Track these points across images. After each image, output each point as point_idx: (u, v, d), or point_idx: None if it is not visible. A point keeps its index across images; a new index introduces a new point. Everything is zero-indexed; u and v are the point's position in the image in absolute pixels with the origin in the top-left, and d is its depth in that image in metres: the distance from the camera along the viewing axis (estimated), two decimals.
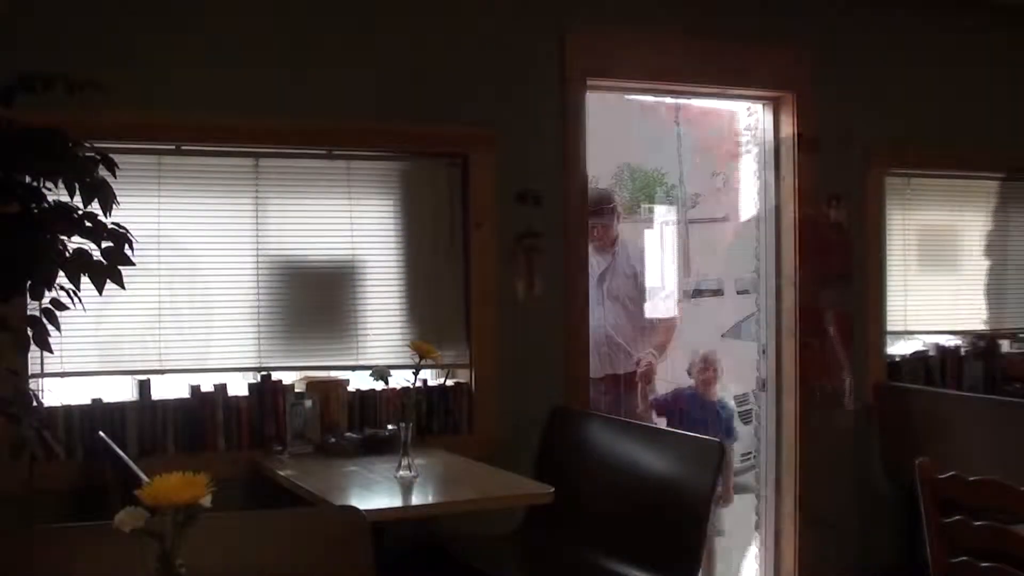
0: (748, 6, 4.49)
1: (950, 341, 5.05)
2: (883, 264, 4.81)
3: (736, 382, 5.57)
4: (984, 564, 2.43)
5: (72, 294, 2.10)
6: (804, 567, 4.59)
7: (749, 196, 4.89)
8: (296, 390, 3.82)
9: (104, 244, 2.09)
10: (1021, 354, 5.19)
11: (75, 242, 2.08)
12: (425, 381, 3.97)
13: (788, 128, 4.62)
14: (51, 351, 2.18)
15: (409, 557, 3.49)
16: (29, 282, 2.03)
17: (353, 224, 3.95)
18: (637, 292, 5.07)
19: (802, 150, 4.57)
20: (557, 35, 4.14)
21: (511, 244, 4.08)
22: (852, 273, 4.68)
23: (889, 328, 4.85)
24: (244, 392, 3.76)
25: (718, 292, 6.90)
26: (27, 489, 3.20)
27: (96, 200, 2.06)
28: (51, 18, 3.45)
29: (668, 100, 5.44)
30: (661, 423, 4.96)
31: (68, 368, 3.52)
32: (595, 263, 4.88)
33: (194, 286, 3.74)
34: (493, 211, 4.05)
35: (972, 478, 2.50)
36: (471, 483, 3.48)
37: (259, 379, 3.78)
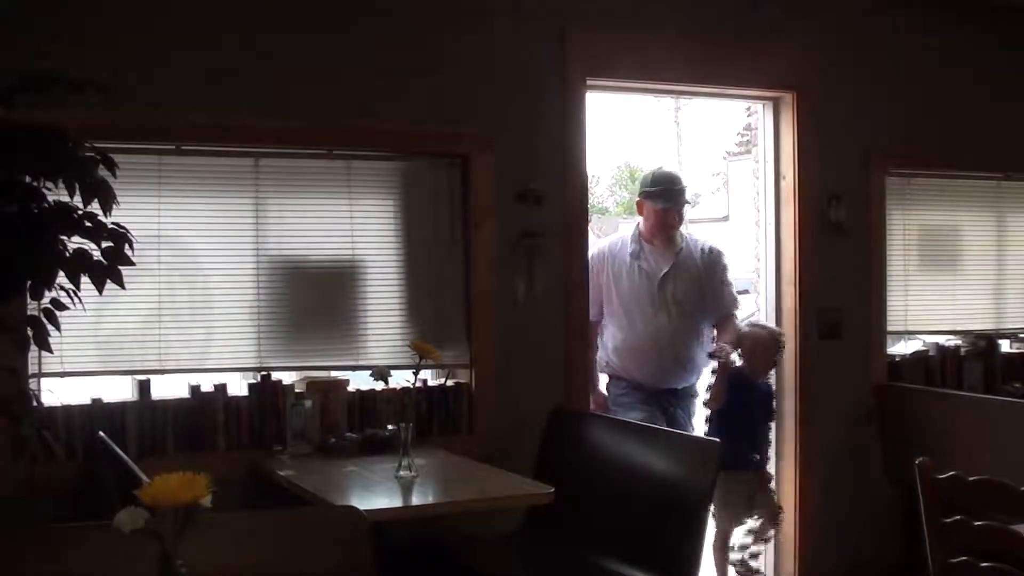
0: (748, 6, 4.49)
1: (950, 341, 5.05)
2: (883, 264, 4.81)
3: None
4: (984, 564, 2.43)
5: (72, 294, 2.10)
6: (804, 567, 4.59)
7: (749, 196, 4.89)
8: (296, 390, 3.82)
9: (104, 244, 2.10)
10: (1021, 354, 5.19)
11: (75, 242, 2.09)
12: (425, 381, 3.96)
13: (788, 128, 4.62)
14: (51, 351, 2.19)
15: (409, 557, 3.49)
16: (29, 282, 2.03)
17: (353, 224, 3.95)
18: (702, 295, 4.44)
19: None
20: (557, 35, 4.14)
21: (511, 244, 4.08)
22: None
23: (889, 328, 4.85)
24: (244, 392, 3.76)
25: None
26: (27, 489, 3.20)
27: (96, 200, 2.07)
28: (51, 18, 3.45)
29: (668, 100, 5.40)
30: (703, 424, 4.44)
31: (68, 368, 3.52)
32: (652, 261, 4.43)
33: (194, 286, 3.74)
34: (493, 211, 4.05)
35: (972, 478, 2.50)
36: (471, 483, 3.48)
37: (259, 379, 3.78)
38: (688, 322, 4.42)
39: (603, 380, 4.56)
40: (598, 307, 4.45)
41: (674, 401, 4.44)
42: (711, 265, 4.50)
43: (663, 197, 4.40)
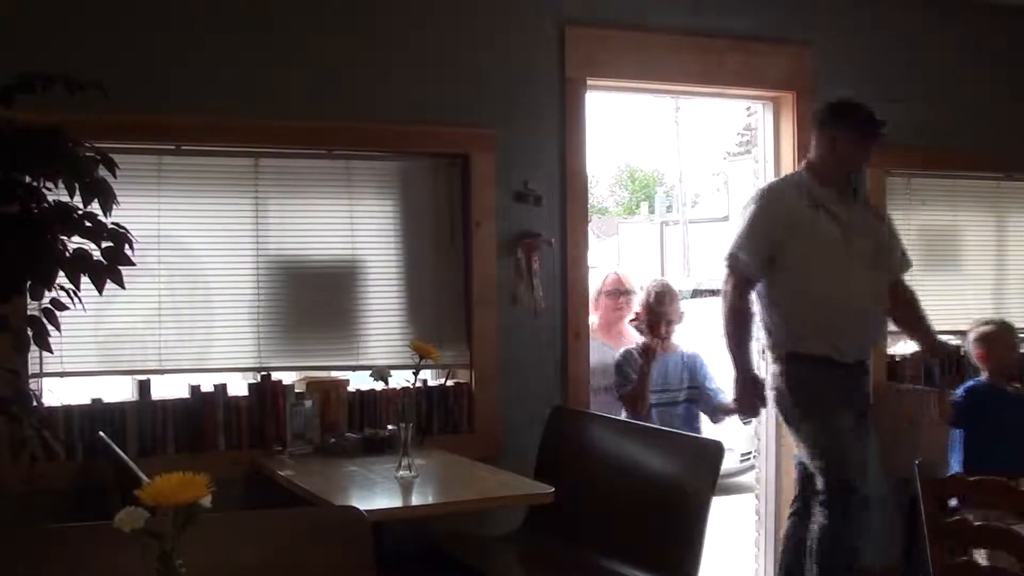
0: (748, 6, 4.49)
1: (950, 341, 5.05)
2: None
3: None
4: (984, 564, 2.43)
5: (72, 294, 2.09)
6: None
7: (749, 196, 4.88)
8: (296, 390, 3.82)
9: (104, 244, 2.09)
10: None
11: (75, 242, 2.08)
12: (425, 381, 3.97)
13: (788, 128, 4.62)
14: (51, 351, 2.18)
15: (409, 557, 3.49)
16: (29, 282, 2.03)
17: (353, 224, 3.95)
18: (878, 249, 3.81)
19: None
20: (557, 35, 4.15)
21: (511, 244, 4.08)
22: None
23: (889, 328, 4.84)
24: (244, 392, 3.76)
25: (718, 292, 6.85)
26: (27, 489, 3.20)
27: (96, 200, 2.06)
28: (51, 18, 3.45)
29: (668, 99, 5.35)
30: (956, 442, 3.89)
31: (68, 368, 3.52)
32: (835, 206, 3.77)
33: (194, 286, 3.75)
34: (493, 211, 4.05)
35: (972, 478, 2.50)
36: (471, 483, 3.48)
37: (259, 379, 3.78)
38: (877, 278, 3.80)
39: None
40: (766, 264, 3.75)
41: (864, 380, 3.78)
42: (883, 215, 3.94)
43: (873, 125, 3.68)
